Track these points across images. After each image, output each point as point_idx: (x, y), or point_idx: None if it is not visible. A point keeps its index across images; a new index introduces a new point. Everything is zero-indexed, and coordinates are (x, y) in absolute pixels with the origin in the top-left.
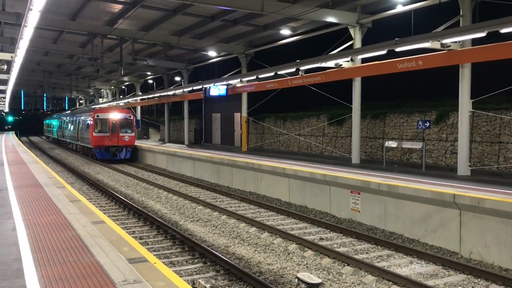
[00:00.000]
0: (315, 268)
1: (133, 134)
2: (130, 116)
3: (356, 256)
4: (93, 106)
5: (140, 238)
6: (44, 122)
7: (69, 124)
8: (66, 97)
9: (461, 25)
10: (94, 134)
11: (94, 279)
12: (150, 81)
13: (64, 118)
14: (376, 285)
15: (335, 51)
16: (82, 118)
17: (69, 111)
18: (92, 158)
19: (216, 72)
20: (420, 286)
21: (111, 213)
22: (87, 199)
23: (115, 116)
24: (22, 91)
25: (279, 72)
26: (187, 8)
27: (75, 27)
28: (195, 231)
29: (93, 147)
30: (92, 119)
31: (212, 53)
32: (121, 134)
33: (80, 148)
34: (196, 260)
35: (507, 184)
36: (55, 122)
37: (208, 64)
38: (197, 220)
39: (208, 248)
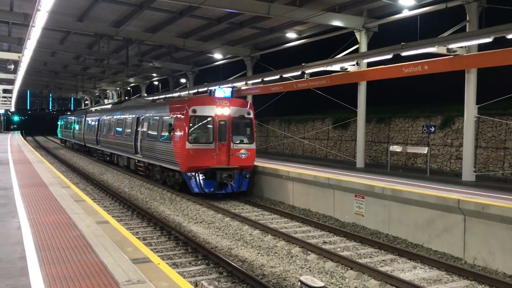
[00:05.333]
0: (318, 272)
1: (253, 145)
2: (249, 112)
3: (359, 260)
4: (170, 95)
5: (144, 239)
6: (60, 123)
7: (115, 125)
8: (72, 98)
9: (467, 30)
10: (188, 145)
11: (98, 279)
12: (156, 83)
13: (102, 116)
14: None
15: (340, 55)
16: (150, 114)
17: (110, 105)
18: (172, 188)
19: (221, 74)
20: None
21: (115, 214)
22: (92, 199)
23: (225, 111)
24: (28, 91)
25: (284, 75)
26: (193, 10)
27: (82, 28)
28: (199, 232)
29: (184, 170)
30: (182, 116)
31: (217, 55)
32: (234, 146)
33: (140, 167)
34: (199, 262)
35: None
36: (80, 122)
37: (214, 67)
38: (200, 222)
39: (212, 250)
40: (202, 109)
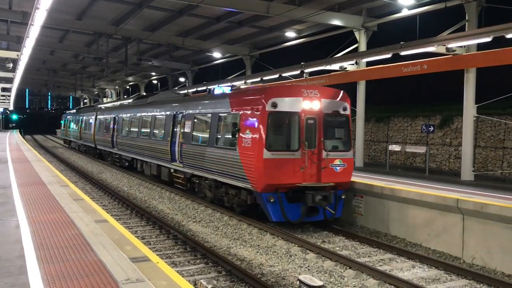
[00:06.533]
0: (317, 271)
1: (350, 153)
2: (345, 107)
3: (358, 259)
4: (231, 85)
5: (143, 238)
6: (63, 121)
7: (140, 125)
8: (71, 96)
9: (466, 30)
10: (266, 154)
11: (96, 278)
12: (155, 82)
13: (120, 114)
14: None
15: (339, 54)
16: (196, 111)
17: (128, 100)
18: (230, 210)
19: (220, 73)
20: None
21: (114, 212)
22: (90, 198)
23: (315, 104)
24: (27, 89)
25: (283, 74)
26: (192, 9)
27: (81, 27)
28: (198, 231)
29: (259, 189)
30: (256, 112)
31: (216, 54)
32: (327, 155)
33: (179, 179)
34: (198, 261)
35: (511, 189)
36: (89, 121)
37: (213, 65)
38: (199, 221)
39: (210, 248)
40: (284, 103)
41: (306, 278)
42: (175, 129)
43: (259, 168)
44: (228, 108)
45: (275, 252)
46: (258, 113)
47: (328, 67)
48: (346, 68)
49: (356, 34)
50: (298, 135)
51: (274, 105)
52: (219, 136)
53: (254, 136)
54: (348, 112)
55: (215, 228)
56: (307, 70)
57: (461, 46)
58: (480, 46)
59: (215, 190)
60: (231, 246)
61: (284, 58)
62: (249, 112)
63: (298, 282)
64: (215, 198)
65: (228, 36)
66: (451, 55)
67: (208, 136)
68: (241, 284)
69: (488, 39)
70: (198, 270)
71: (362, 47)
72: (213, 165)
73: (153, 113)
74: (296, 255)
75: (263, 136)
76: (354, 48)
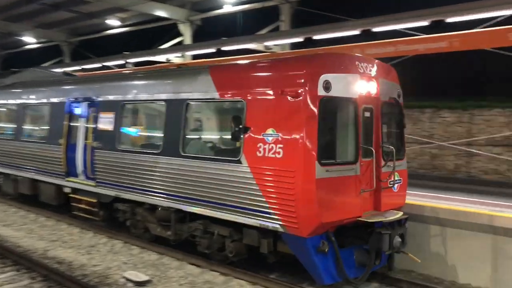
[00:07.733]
0: (142, 266)
1: (404, 163)
2: (399, 92)
3: (179, 252)
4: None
5: None
6: None
7: (8, 118)
8: None
9: (281, 30)
10: (319, 171)
11: None
12: None
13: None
14: (201, 277)
15: (164, 46)
16: (128, 96)
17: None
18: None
19: (35, 60)
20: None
21: None
22: None
23: (372, 87)
24: None
25: (106, 64)
26: None
27: None
28: (8, 236)
29: (307, 232)
30: (295, 98)
31: (29, 39)
32: (388, 168)
33: (80, 203)
34: (7, 269)
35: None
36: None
37: (25, 51)
38: (10, 224)
39: (23, 253)
40: (340, 83)
41: (132, 274)
42: (74, 125)
43: (307, 194)
44: (211, 90)
45: (98, 251)
46: (299, 99)
47: (152, 58)
48: (171, 60)
49: (181, 27)
50: (355, 137)
51: (327, 86)
52: (191, 137)
53: (289, 139)
54: (401, 100)
55: (29, 231)
56: (130, 60)
57: (277, 45)
58: (296, 45)
59: (178, 227)
60: (48, 249)
61: (108, 47)
62: (274, 97)
63: (123, 279)
64: (176, 239)
65: (43, 20)
66: (269, 53)
67: (162, 136)
68: None
69: (300, 39)
70: (8, 279)
71: (187, 40)
72: (178, 186)
73: (22, 101)
74: (120, 252)
75: (313, 140)
76: (180, 41)
